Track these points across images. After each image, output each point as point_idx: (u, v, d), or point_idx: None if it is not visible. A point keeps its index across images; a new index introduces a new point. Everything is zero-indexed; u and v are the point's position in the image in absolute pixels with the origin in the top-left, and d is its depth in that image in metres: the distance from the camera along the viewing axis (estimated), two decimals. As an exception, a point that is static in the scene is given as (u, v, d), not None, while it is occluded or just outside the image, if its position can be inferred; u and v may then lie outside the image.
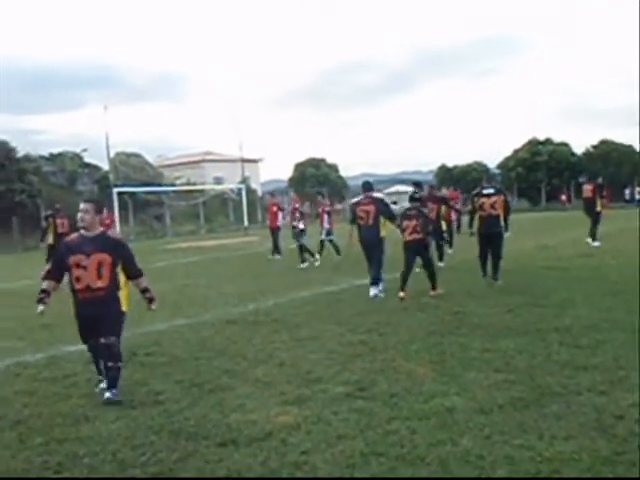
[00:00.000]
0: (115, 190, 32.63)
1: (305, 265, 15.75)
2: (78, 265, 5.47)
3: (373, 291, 10.29)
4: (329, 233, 17.21)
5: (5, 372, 6.71)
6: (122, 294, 5.71)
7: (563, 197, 46.54)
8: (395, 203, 36.37)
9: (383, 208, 10.71)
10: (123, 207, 34.53)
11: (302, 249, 16.19)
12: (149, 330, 8.44)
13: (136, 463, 4.12)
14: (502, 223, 11.02)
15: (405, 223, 10.20)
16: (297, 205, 17.95)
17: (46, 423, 4.96)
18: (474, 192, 11.82)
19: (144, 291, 5.90)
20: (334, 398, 5.16)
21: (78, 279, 5.49)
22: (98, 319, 5.48)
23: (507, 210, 11.11)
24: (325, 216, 17.33)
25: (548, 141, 56.18)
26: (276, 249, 18.56)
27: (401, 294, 9.84)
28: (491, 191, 11.21)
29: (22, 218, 33.06)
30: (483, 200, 11.10)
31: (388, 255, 10.66)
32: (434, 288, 10.15)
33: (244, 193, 39.34)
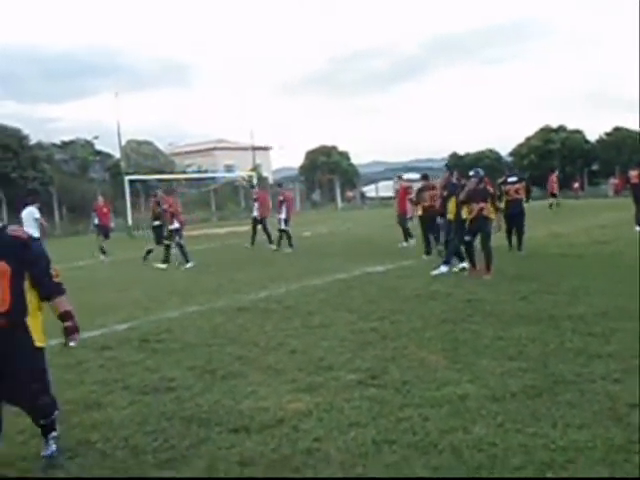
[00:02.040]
0: (127, 178, 32.67)
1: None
2: None
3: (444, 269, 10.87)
4: (285, 223, 17.61)
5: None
6: (34, 322, 3.87)
7: (576, 185, 46.17)
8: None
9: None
10: (135, 195, 34.60)
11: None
12: (160, 317, 8.47)
13: (148, 449, 4.13)
14: (524, 205, 13.39)
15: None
16: (281, 197, 18.31)
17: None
18: (500, 180, 13.74)
19: (64, 317, 3.93)
20: (346, 385, 5.15)
21: None
22: (3, 362, 3.74)
23: (528, 193, 14.26)
24: (282, 206, 17.67)
25: (561, 128, 55.70)
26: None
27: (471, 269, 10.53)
28: (514, 179, 13.58)
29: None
30: (508, 187, 13.29)
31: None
32: (488, 270, 10.29)
33: (255, 181, 39.33)
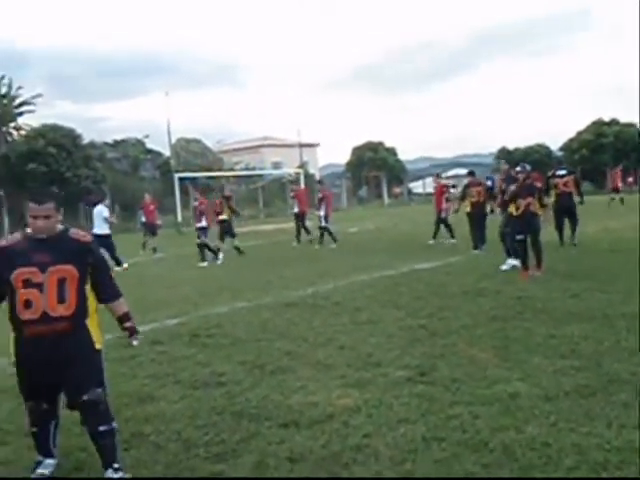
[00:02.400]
0: (176, 175, 33.17)
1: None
2: (27, 282, 3.59)
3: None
4: (325, 220, 17.59)
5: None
6: (92, 324, 3.83)
7: (630, 179, 44.99)
8: (454, 187, 35.55)
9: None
10: (184, 192, 35.10)
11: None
12: (210, 312, 8.58)
13: (200, 443, 4.19)
14: (574, 198, 13.51)
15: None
16: (320, 195, 18.40)
17: (113, 402, 5.08)
18: (549, 174, 14.06)
19: (124, 319, 4.00)
20: (395, 382, 5.13)
21: (28, 304, 3.60)
22: (61, 365, 3.69)
23: (578, 187, 13.91)
24: (322, 203, 17.69)
25: (614, 122, 54.29)
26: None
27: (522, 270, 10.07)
28: (563, 172, 13.77)
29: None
30: (557, 180, 13.51)
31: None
32: (539, 266, 10.09)
33: (302, 178, 39.45)
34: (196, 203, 16.19)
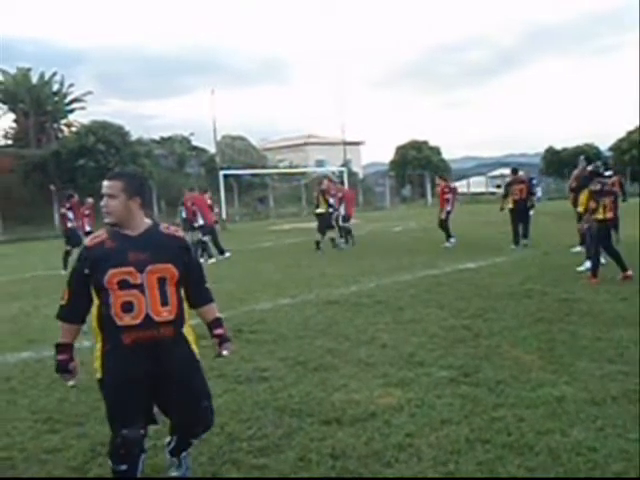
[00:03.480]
0: (221, 173, 33.50)
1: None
2: (124, 284, 3.19)
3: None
4: (345, 219, 17.41)
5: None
6: (187, 330, 3.45)
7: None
8: (499, 187, 35.03)
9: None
10: (229, 189, 35.44)
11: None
12: (254, 308, 8.65)
13: (243, 437, 4.24)
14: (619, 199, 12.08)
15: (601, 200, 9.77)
16: (340, 194, 17.95)
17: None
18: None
19: (215, 324, 3.59)
20: (437, 382, 5.10)
21: (127, 307, 3.19)
22: (164, 378, 3.30)
23: (622, 188, 15.28)
24: (341, 203, 17.41)
25: (667, 121, 52.79)
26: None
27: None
28: (609, 173, 12.60)
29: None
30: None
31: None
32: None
33: (345, 176, 39.43)
34: (189, 204, 16.14)
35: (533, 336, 6.40)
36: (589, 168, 10.68)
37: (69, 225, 15.45)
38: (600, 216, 9.67)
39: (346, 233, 17.46)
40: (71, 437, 4.39)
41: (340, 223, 17.35)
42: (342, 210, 17.43)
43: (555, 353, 5.78)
